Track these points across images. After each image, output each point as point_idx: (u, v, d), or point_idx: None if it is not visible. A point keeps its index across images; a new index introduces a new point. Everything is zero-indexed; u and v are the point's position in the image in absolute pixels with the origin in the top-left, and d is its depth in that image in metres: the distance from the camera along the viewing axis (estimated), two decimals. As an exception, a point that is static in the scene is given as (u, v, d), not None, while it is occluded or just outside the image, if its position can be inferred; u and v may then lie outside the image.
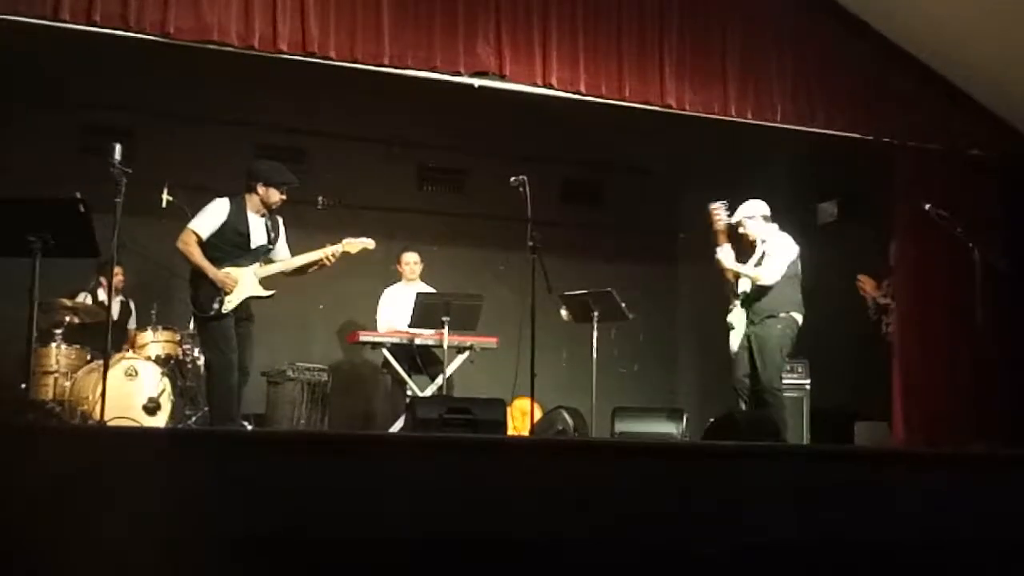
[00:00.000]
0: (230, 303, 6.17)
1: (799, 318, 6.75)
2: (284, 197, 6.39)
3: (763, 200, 6.89)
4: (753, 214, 6.84)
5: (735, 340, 6.80)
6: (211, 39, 6.19)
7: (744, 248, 6.88)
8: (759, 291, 6.71)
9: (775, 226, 6.88)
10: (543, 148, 9.35)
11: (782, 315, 6.69)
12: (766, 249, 6.78)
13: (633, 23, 7.29)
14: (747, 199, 6.89)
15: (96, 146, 7.01)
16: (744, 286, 6.81)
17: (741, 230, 6.84)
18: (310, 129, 9.13)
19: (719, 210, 6.77)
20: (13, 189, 5.39)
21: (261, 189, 6.31)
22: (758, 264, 6.77)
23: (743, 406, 6.74)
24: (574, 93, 7.12)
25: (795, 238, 6.83)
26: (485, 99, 7.18)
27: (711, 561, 3.54)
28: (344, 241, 6.61)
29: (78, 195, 5.20)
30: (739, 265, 6.78)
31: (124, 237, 5.56)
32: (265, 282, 6.38)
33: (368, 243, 6.74)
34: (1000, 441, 7.07)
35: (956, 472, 4.23)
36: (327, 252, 6.50)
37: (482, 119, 8.52)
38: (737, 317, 6.82)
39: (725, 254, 6.77)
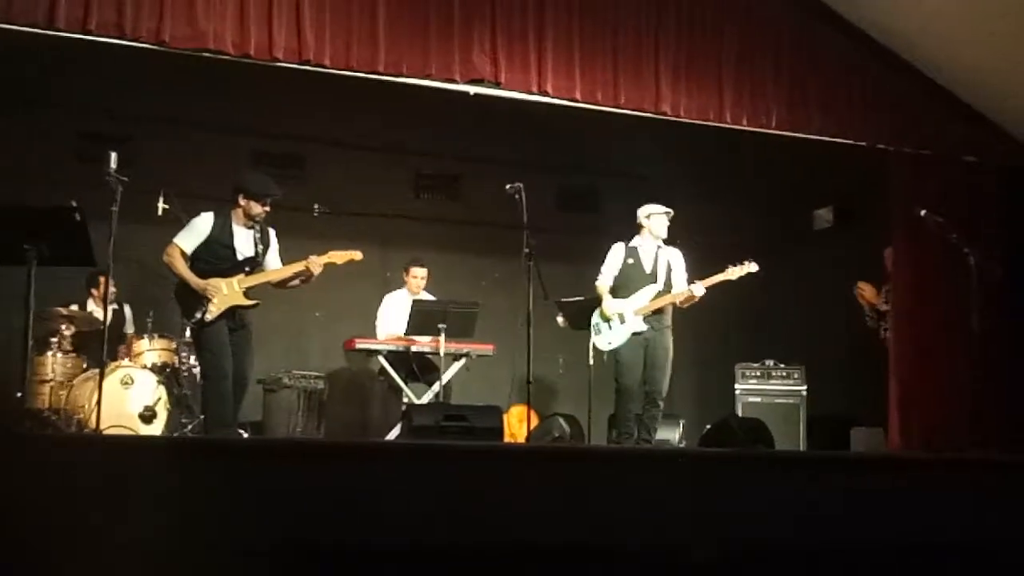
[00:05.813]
0: (212, 312, 6.19)
1: None
2: (267, 209, 6.36)
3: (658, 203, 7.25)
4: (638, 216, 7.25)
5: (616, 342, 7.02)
6: (207, 47, 6.18)
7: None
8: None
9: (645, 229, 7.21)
10: (539, 155, 9.35)
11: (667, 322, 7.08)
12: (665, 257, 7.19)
13: (629, 30, 7.28)
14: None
15: (92, 154, 7.03)
16: (647, 295, 7.05)
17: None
18: (306, 136, 9.13)
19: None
20: (8, 197, 5.37)
21: (243, 201, 6.33)
22: (666, 282, 7.09)
23: (635, 411, 6.92)
24: (570, 100, 7.11)
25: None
26: (481, 106, 7.18)
27: (708, 566, 3.54)
28: (329, 252, 6.57)
29: (74, 203, 5.18)
30: (660, 300, 7.06)
31: (120, 245, 5.54)
32: (250, 292, 6.36)
33: (355, 254, 6.69)
34: (996, 447, 7.08)
35: (953, 477, 4.23)
36: (310, 263, 6.41)
37: (478, 126, 8.51)
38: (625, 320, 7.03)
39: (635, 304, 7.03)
